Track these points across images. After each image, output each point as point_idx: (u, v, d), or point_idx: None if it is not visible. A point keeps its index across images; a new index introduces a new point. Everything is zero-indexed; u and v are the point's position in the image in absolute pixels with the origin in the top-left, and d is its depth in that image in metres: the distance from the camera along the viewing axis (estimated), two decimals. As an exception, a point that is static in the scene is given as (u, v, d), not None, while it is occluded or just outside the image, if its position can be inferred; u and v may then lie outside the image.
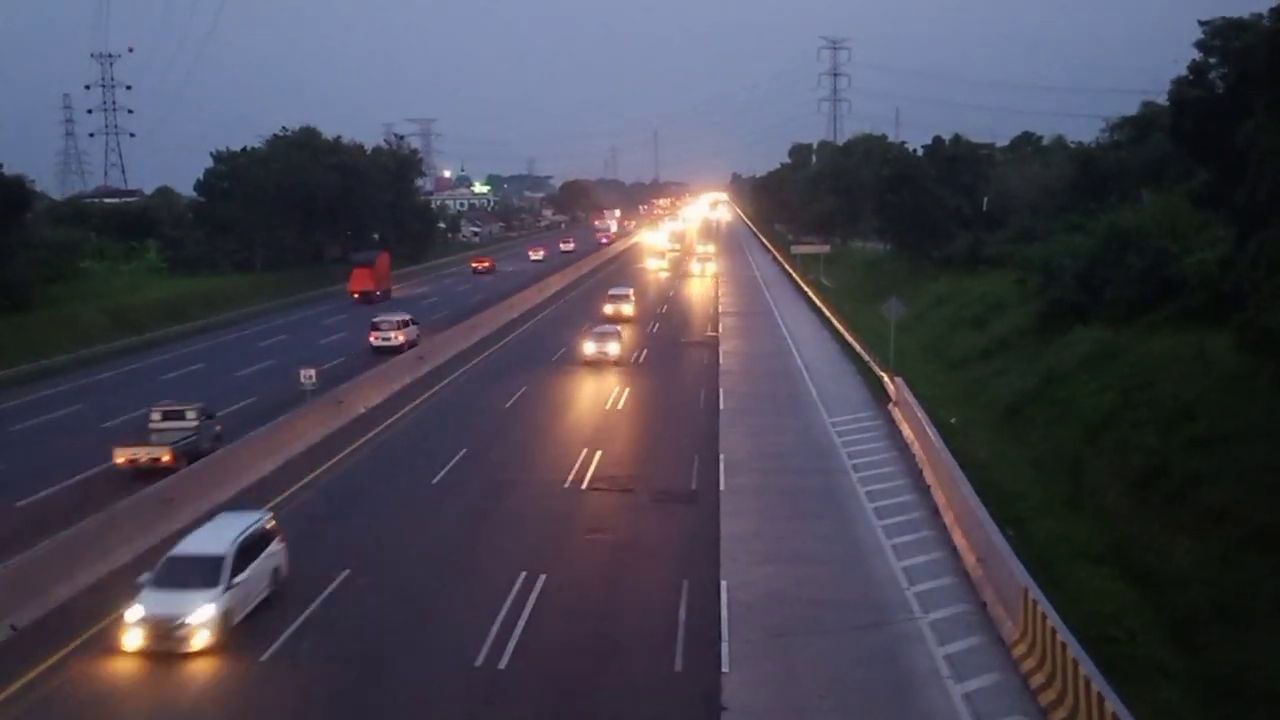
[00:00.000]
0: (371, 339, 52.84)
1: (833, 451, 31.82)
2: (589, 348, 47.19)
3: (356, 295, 76.26)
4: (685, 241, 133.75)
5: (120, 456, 30.20)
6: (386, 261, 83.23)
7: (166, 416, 31.80)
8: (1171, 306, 33.77)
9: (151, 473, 28.61)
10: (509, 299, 69.21)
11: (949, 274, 63.86)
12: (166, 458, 29.68)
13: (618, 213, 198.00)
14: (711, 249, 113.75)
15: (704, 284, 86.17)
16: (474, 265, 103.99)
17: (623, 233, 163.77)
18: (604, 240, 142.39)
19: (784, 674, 17.40)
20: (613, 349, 47.28)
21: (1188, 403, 26.17)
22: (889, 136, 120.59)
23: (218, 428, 32.80)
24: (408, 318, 55.40)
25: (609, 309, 62.25)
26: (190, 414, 31.87)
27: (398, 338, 52.51)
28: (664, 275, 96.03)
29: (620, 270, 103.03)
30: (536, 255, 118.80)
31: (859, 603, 20.28)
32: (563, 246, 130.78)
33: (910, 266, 73.21)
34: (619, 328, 50.83)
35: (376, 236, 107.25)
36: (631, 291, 67.46)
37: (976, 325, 49.01)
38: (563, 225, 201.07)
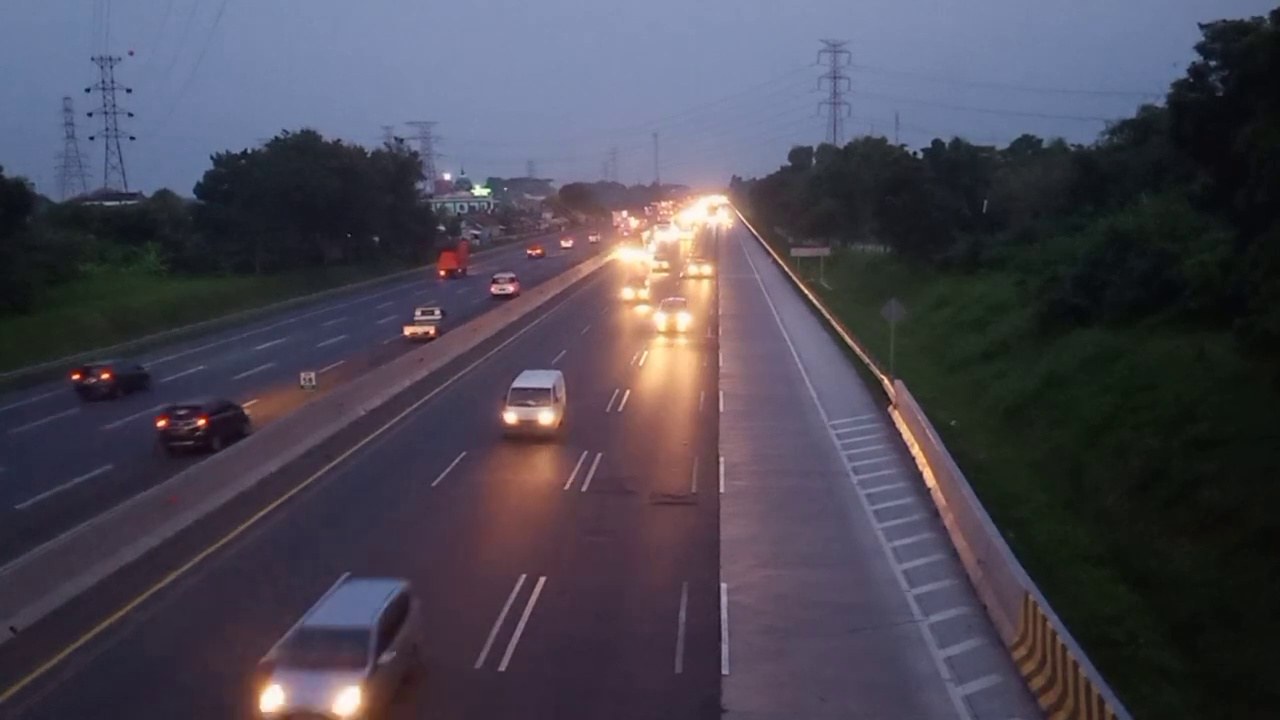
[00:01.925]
0: (492, 289, 79.05)
1: (833, 454, 31.81)
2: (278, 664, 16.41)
3: (444, 273, 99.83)
4: (678, 257, 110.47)
5: (408, 331, 57.40)
6: (465, 247, 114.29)
7: (424, 313, 59.42)
8: (1172, 309, 33.74)
9: (425, 339, 54.20)
10: (563, 272, 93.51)
11: (949, 276, 63.85)
12: (433, 331, 56.29)
13: (625, 213, 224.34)
14: (707, 270, 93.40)
15: (676, 359, 50.72)
16: (529, 252, 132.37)
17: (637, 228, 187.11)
18: (626, 232, 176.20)
19: (784, 676, 17.39)
20: (341, 695, 15.54)
21: (1188, 405, 26.14)
22: (889, 139, 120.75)
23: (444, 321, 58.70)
24: (514, 275, 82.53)
25: (512, 417, 33.81)
26: (436, 311, 59.76)
27: (510, 287, 78.77)
28: (643, 311, 68.04)
29: (588, 299, 79.45)
30: (567, 243, 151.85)
31: (859, 605, 20.27)
32: (591, 238, 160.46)
33: (910, 269, 73.21)
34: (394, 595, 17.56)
35: (376, 239, 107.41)
36: (553, 384, 35.32)
37: (976, 328, 48.98)
38: (562, 228, 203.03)
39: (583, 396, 39.47)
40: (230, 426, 33.87)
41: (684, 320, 58.36)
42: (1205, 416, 25.07)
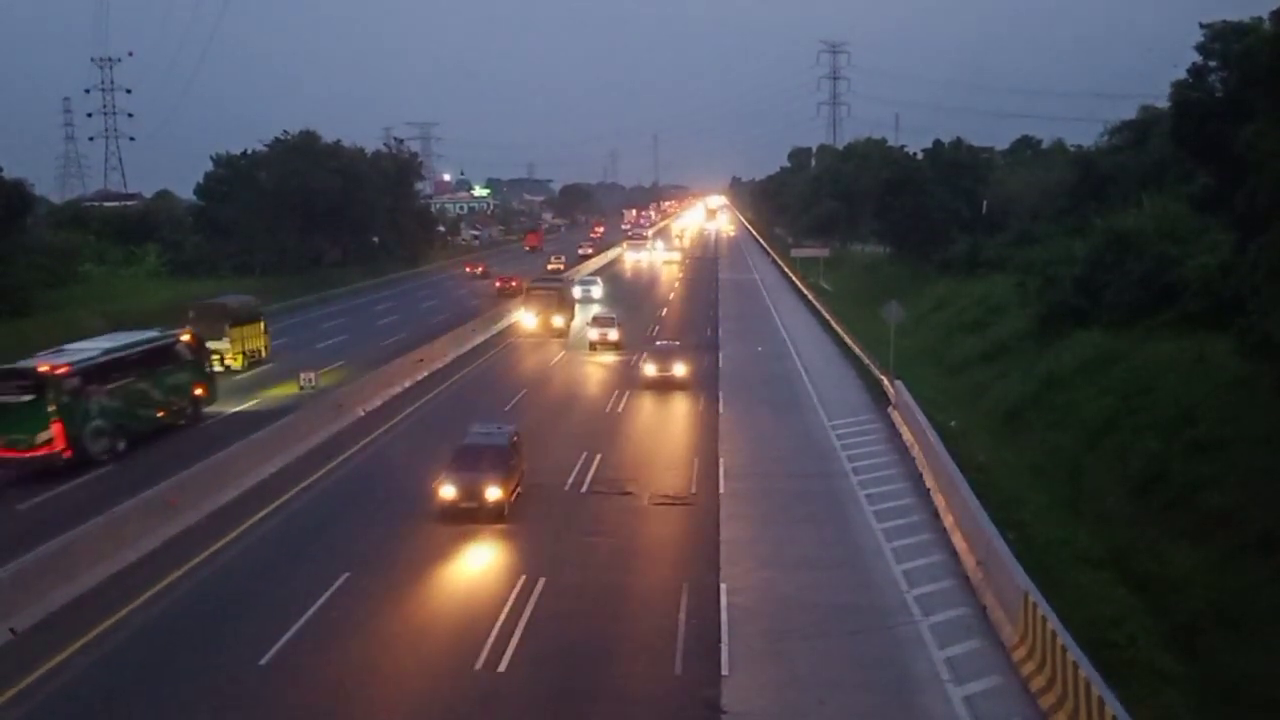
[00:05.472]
0: (579, 250, 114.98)
1: (832, 455, 31.81)
2: None
3: (529, 247, 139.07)
4: (642, 312, 66.40)
5: (549, 266, 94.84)
6: (544, 230, 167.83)
7: (555, 259, 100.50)
8: (1172, 311, 33.75)
9: (558, 274, 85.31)
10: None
11: (948, 278, 63.90)
12: (562, 267, 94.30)
13: (634, 211, 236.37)
14: (681, 370, 42.07)
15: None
16: (591, 234, 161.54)
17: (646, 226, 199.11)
18: (643, 223, 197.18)
19: (784, 677, 17.40)
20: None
21: (1188, 408, 26.18)
22: (888, 140, 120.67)
23: None
24: (592, 241, 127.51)
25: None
26: (563, 258, 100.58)
27: (590, 249, 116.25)
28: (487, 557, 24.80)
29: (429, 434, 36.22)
30: (600, 230, 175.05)
31: (859, 606, 20.27)
32: (624, 227, 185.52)
33: (910, 270, 73.25)
34: None
35: (376, 240, 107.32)
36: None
37: (976, 329, 49.02)
38: (562, 229, 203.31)
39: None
40: (521, 286, 69.24)
41: None
42: (1205, 419, 25.12)
